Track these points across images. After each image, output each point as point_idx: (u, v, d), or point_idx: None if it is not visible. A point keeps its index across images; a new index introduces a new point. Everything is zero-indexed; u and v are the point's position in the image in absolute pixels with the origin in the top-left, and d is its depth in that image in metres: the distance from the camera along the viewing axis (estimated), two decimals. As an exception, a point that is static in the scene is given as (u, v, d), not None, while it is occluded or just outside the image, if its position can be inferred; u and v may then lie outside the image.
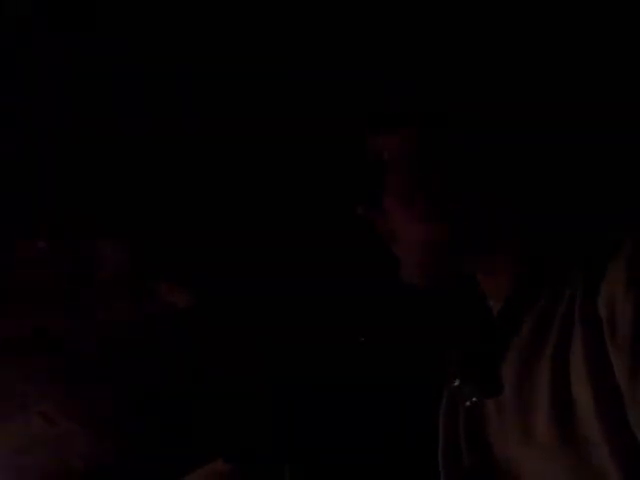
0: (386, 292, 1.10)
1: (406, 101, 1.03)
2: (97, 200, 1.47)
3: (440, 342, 1.18)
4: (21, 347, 1.41)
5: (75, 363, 1.45)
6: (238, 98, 1.46)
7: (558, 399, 0.84)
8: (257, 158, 1.51)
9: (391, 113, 1.01)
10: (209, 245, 1.51)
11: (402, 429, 1.42)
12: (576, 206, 0.96)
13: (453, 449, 1.00)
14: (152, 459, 1.48)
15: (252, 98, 1.46)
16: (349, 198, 1.06)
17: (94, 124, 1.43)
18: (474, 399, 0.96)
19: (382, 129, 1.01)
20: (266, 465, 1.45)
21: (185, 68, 1.45)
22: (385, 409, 1.48)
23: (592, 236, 0.92)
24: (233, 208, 1.52)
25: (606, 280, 0.82)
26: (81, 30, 1.40)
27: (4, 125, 1.42)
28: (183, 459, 1.44)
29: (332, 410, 1.51)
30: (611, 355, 0.80)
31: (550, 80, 1.06)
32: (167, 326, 1.50)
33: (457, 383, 0.98)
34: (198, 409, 1.52)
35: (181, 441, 1.50)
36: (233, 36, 1.43)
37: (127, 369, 1.48)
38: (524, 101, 0.99)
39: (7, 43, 1.38)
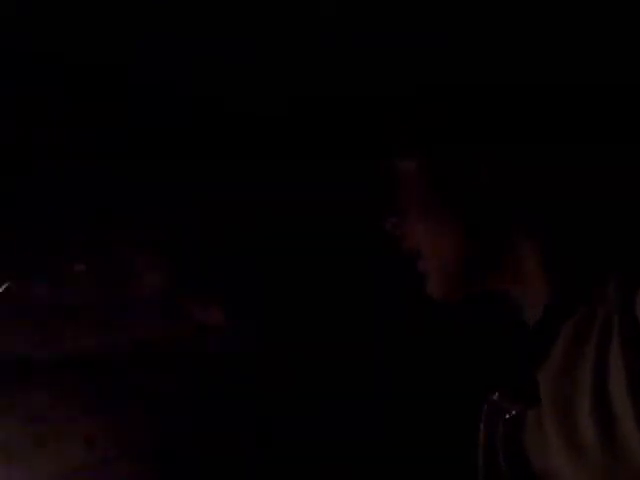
0: (421, 306, 1.12)
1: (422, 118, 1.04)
2: (132, 217, 1.46)
3: (478, 355, 1.19)
4: (59, 368, 1.38)
5: (113, 385, 1.43)
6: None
7: (598, 409, 0.85)
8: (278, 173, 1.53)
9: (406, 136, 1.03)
10: (239, 263, 1.52)
11: (442, 440, 1.45)
12: (611, 215, 0.95)
13: (492, 460, 1.00)
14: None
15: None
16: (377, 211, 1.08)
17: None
18: (513, 412, 0.97)
19: (399, 152, 1.03)
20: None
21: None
22: (425, 420, 1.51)
23: (629, 246, 0.92)
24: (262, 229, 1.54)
25: None
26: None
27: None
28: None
29: (369, 419, 1.54)
30: None
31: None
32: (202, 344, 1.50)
33: (496, 397, 0.99)
34: (235, 433, 1.52)
35: (217, 465, 1.50)
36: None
37: (164, 390, 1.47)
38: (540, 112, 1.01)
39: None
